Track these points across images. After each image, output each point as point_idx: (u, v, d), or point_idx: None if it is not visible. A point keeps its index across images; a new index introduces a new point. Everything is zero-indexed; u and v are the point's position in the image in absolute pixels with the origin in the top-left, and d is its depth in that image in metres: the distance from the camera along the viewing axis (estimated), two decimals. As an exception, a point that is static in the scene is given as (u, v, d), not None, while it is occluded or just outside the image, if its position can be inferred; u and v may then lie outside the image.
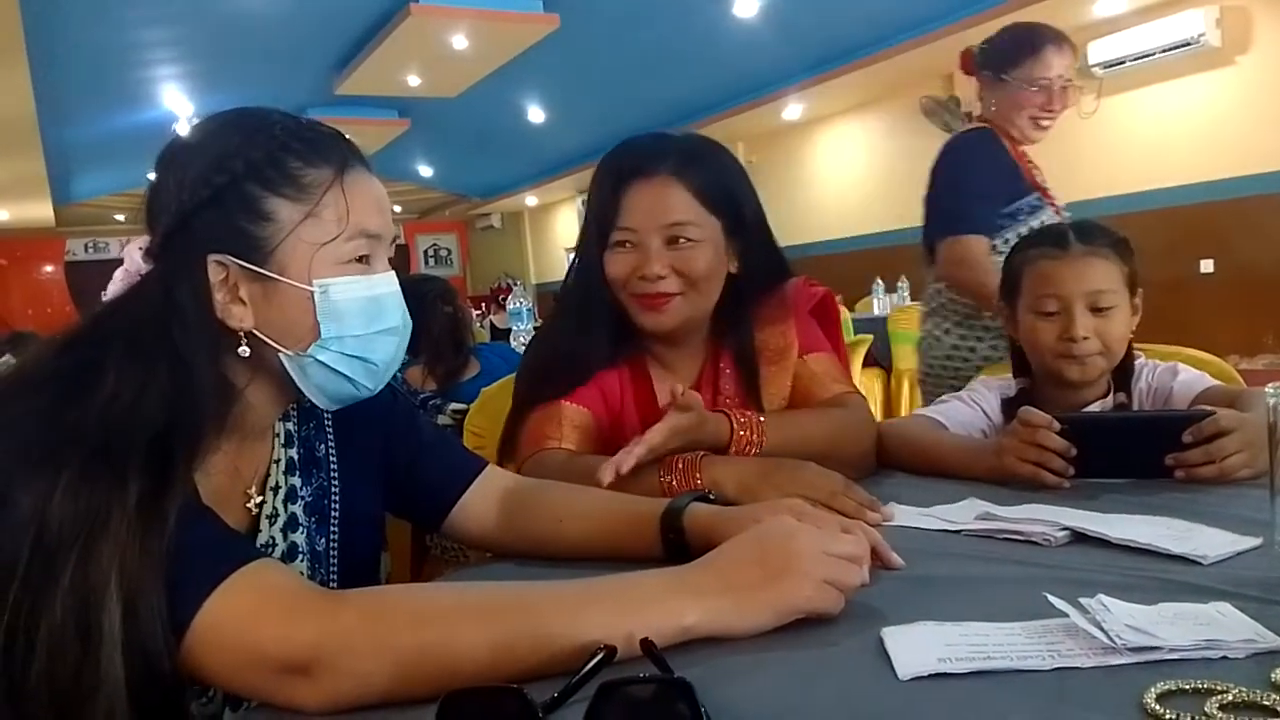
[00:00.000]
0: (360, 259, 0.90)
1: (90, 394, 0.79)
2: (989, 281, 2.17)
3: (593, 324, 1.35)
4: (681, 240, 1.29)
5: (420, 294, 2.57)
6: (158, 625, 0.71)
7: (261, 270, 0.86)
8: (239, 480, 0.94)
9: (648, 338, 1.38)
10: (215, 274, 0.86)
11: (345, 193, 0.89)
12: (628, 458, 1.11)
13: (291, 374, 0.90)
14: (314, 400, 0.93)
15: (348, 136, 0.95)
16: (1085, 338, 1.37)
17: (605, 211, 1.31)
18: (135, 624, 0.71)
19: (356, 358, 0.91)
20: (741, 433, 1.23)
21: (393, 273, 0.94)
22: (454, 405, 2.36)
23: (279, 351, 0.88)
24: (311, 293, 0.87)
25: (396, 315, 0.94)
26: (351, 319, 0.89)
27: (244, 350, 0.88)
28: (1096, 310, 1.38)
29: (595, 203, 1.34)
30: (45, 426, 0.77)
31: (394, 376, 1.00)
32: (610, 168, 1.34)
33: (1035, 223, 2.16)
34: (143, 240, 0.90)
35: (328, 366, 0.90)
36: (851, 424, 1.36)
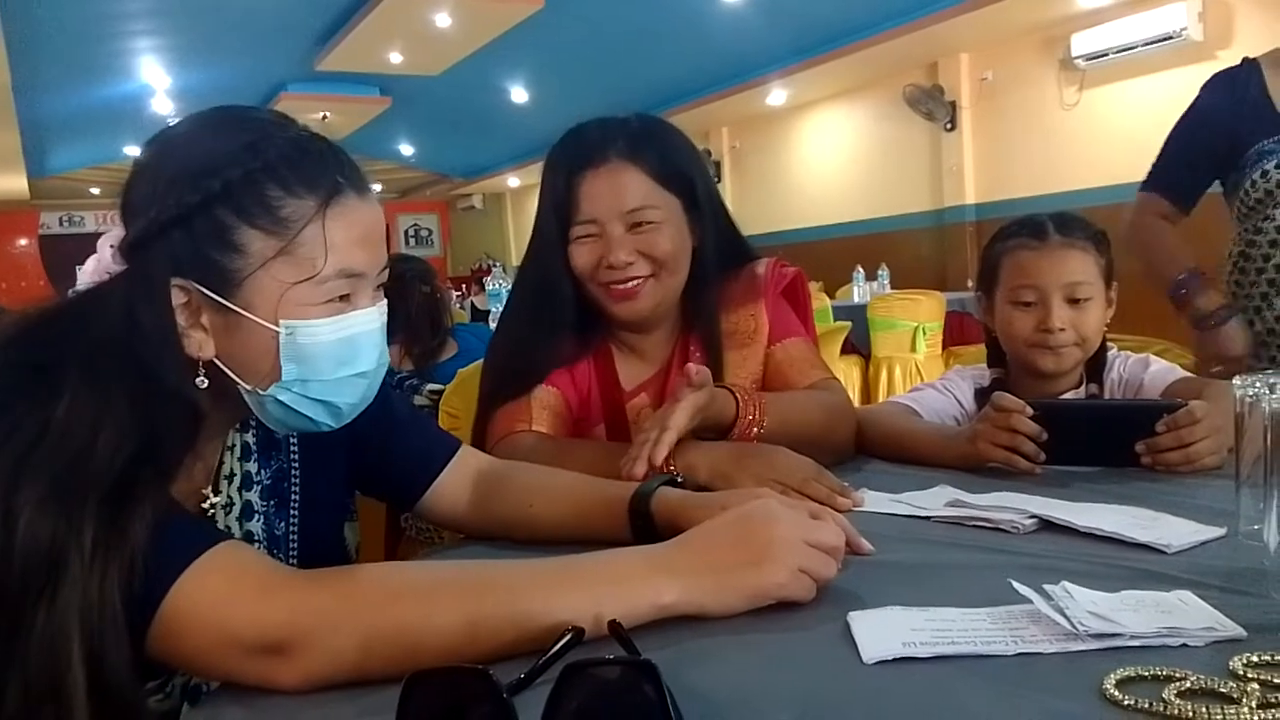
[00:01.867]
0: (340, 297, 0.84)
1: (42, 405, 0.74)
2: (1136, 245, 2.04)
3: (555, 320, 1.32)
4: (644, 224, 1.27)
5: (398, 274, 2.55)
6: (123, 668, 0.69)
7: (226, 303, 0.81)
8: (191, 479, 0.91)
9: (616, 325, 1.36)
10: (178, 298, 0.80)
11: (326, 228, 0.81)
12: (659, 449, 1.08)
13: (250, 404, 0.86)
14: (270, 427, 0.90)
15: (345, 154, 0.87)
16: (1061, 329, 1.38)
17: (562, 205, 1.29)
18: (102, 678, 0.68)
19: (320, 401, 0.86)
20: (747, 413, 1.21)
21: (375, 308, 0.87)
22: (431, 386, 2.35)
23: (238, 384, 0.84)
24: (276, 333, 0.81)
25: (370, 358, 0.87)
26: (318, 362, 0.83)
27: (202, 381, 0.83)
28: (1073, 302, 1.39)
29: (550, 196, 1.31)
30: None
31: None
32: (560, 160, 1.31)
33: (1256, 174, 1.89)
34: (116, 234, 0.84)
35: (287, 406, 0.85)
36: (840, 409, 1.36)
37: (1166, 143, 2.08)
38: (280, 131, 0.84)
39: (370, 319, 0.87)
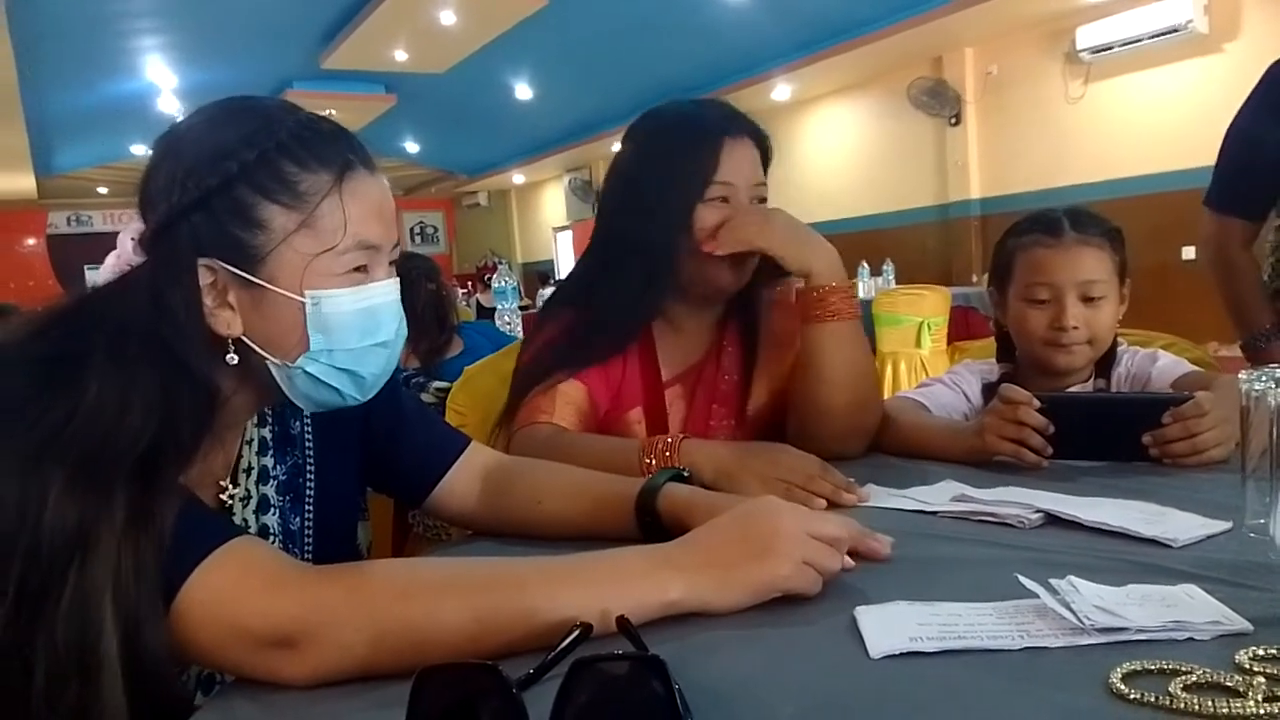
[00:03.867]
0: (358, 269, 0.87)
1: (70, 392, 0.76)
2: (1219, 279, 1.99)
3: (657, 282, 1.35)
4: (761, 202, 1.35)
5: (404, 271, 2.55)
6: (159, 640, 0.70)
7: (252, 278, 0.83)
8: (211, 471, 0.92)
9: (681, 299, 1.39)
10: (204, 277, 0.82)
11: (344, 201, 0.85)
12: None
13: (278, 381, 0.88)
14: (298, 404, 0.92)
15: (353, 134, 0.89)
16: (1075, 327, 1.37)
17: (701, 165, 1.32)
18: (137, 647, 0.69)
19: (345, 370, 0.88)
20: (839, 288, 1.33)
21: (391, 281, 0.91)
22: (437, 383, 2.36)
23: (267, 359, 0.86)
24: (303, 304, 0.84)
25: (391, 327, 0.90)
26: (343, 332, 0.86)
27: (232, 358, 0.85)
28: (1087, 300, 1.38)
29: (685, 157, 1.33)
30: (24, 422, 0.74)
31: None
32: (701, 124, 1.35)
33: None
34: (135, 228, 0.86)
35: (315, 378, 0.87)
36: (878, 387, 1.43)
37: (1224, 146, 1.97)
38: (288, 115, 0.86)
39: (388, 290, 0.90)
